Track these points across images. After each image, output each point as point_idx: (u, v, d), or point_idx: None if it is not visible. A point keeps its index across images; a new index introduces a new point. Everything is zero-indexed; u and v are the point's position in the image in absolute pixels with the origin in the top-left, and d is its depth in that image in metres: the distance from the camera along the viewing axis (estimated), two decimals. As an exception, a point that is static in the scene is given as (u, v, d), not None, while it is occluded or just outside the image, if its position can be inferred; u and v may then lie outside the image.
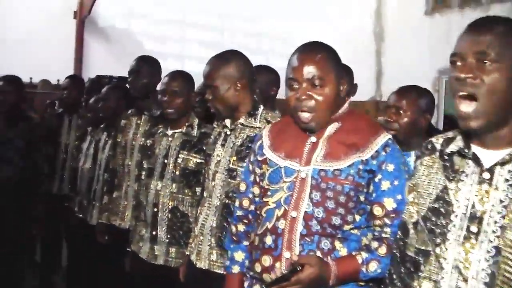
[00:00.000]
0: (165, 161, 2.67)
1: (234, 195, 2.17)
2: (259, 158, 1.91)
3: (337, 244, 1.73)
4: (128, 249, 2.87)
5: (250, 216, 1.99)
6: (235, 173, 2.22)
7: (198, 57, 8.18)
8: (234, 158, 2.23)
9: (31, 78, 7.21)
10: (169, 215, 2.61)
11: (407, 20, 9.98)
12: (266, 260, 1.77)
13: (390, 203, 1.73)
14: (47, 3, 8.69)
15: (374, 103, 7.66)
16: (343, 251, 1.73)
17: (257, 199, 1.93)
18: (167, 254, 2.61)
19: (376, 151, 1.75)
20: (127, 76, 3.21)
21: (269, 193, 1.83)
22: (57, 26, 8.81)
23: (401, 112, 2.36)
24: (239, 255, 2.00)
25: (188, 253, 2.40)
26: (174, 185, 2.62)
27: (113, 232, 3.23)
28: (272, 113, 2.38)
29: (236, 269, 2.00)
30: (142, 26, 9.85)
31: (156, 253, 2.64)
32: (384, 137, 1.79)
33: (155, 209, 2.64)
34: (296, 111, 1.79)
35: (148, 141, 2.85)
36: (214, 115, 2.50)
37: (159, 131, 2.79)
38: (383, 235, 1.74)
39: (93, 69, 8.40)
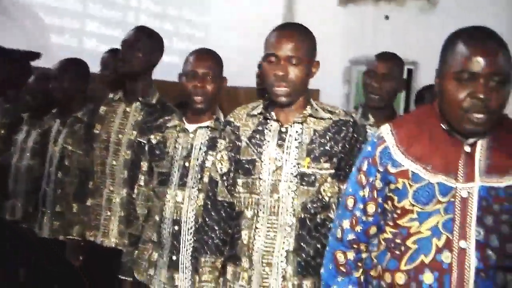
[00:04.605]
0: (186, 164, 2.08)
1: (313, 206, 1.77)
2: (391, 170, 1.52)
3: (509, 277, 1.47)
4: (122, 278, 2.23)
5: (360, 241, 1.61)
6: (313, 178, 1.75)
7: (99, 34, 7.53)
8: (308, 160, 1.76)
9: None
10: (196, 235, 2.03)
11: (319, 10, 9.88)
12: None
13: None
14: None
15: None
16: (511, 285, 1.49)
17: (370, 218, 1.59)
18: (193, 285, 2.01)
19: None
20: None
21: (413, 216, 1.49)
22: None
23: None
24: None
25: None
26: (201, 196, 2.03)
27: (89, 251, 2.54)
28: (323, 103, 1.92)
29: None
30: (38, -4, 8.83)
31: (176, 284, 2.04)
32: None
33: (176, 227, 2.04)
34: (468, 112, 1.42)
35: (153, 137, 2.18)
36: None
37: (170, 124, 2.17)
38: None
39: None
